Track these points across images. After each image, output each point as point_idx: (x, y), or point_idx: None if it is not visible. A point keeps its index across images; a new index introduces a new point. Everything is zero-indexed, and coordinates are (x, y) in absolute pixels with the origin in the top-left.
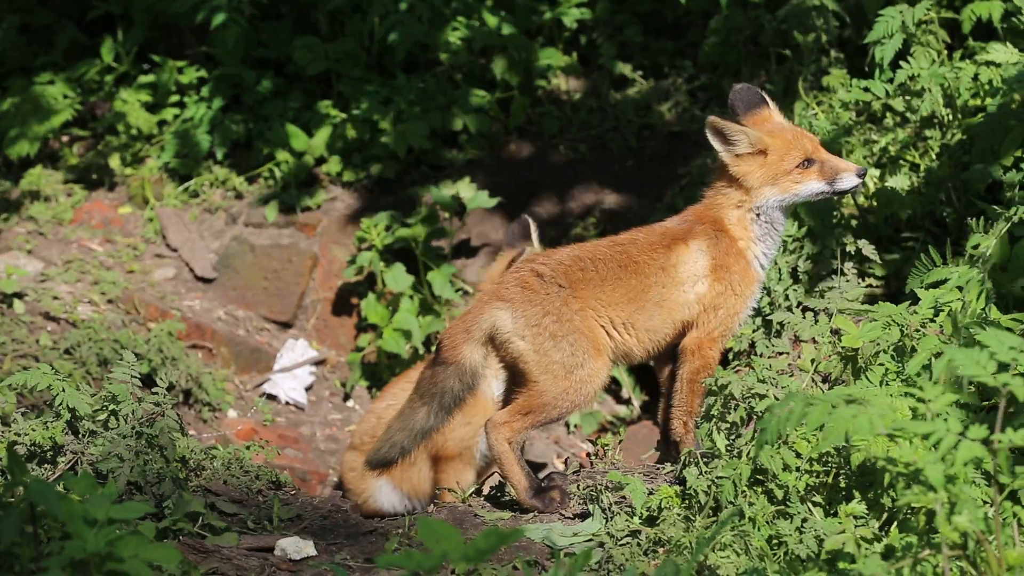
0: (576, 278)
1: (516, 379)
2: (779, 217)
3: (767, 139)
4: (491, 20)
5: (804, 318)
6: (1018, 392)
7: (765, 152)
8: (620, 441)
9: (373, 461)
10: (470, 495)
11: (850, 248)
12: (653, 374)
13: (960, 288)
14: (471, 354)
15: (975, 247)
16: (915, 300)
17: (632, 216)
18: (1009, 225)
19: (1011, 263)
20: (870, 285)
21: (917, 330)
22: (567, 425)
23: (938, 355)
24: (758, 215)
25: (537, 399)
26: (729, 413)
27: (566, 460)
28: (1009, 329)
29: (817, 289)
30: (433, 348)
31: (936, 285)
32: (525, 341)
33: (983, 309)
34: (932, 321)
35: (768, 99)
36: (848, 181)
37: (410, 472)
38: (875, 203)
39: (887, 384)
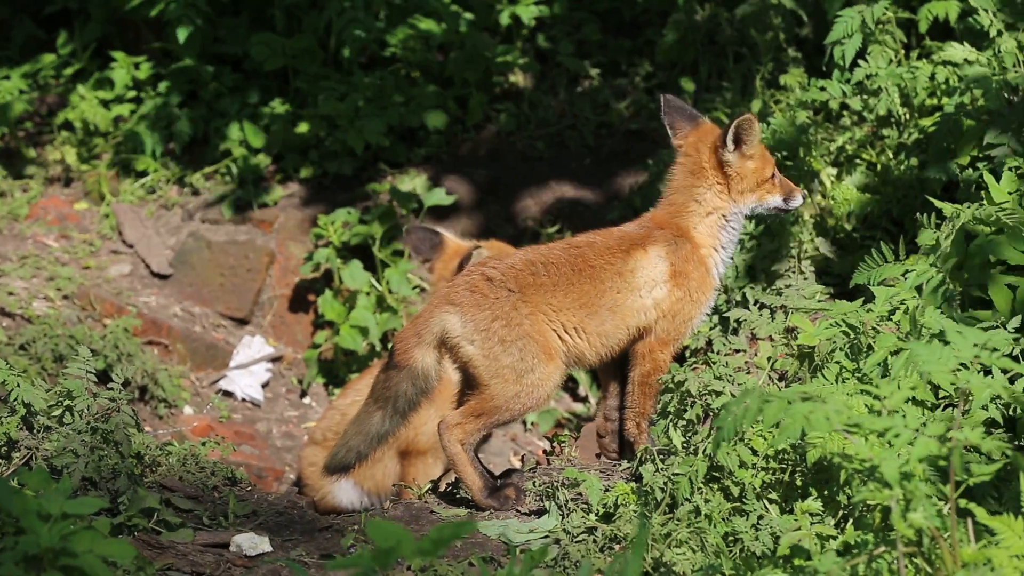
0: (527, 282)
1: (468, 381)
2: (741, 226)
3: (759, 146)
4: (447, 18)
5: (761, 315)
6: (976, 392)
7: (754, 158)
8: (576, 438)
9: (331, 467)
10: (426, 491)
11: (807, 246)
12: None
13: (919, 288)
14: (423, 357)
15: (929, 243)
16: (870, 298)
17: (590, 213)
18: (963, 223)
19: (967, 262)
20: (827, 283)
21: (874, 328)
22: (524, 423)
23: (895, 352)
24: (728, 221)
25: (489, 402)
26: (686, 410)
27: (522, 457)
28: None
29: (774, 287)
30: (389, 346)
31: (887, 282)
32: (474, 346)
33: (941, 307)
34: (889, 318)
35: (698, 113)
36: (797, 200)
37: (374, 469)
38: (832, 202)
39: (843, 382)
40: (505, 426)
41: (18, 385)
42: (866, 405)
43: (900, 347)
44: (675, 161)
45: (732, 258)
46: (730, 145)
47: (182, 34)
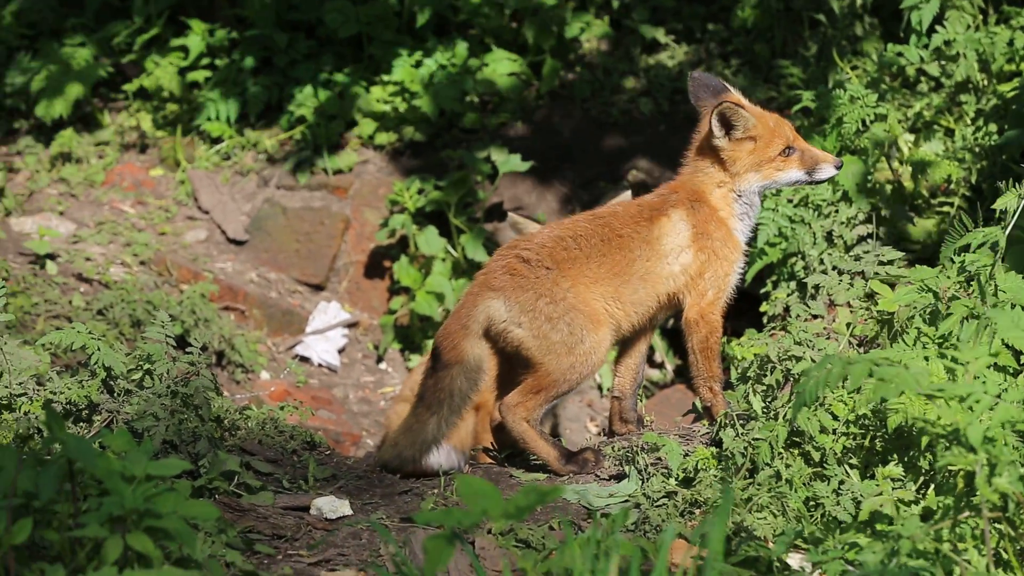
0: (561, 258)
1: (520, 362)
2: (757, 201)
3: (758, 125)
4: None
5: (840, 281)
6: None
7: (754, 138)
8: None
9: (382, 467)
10: (505, 456)
11: (884, 212)
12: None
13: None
14: (472, 349)
15: (1012, 208)
16: (947, 264)
17: (665, 179)
18: None
19: None
20: (904, 249)
21: (953, 295)
22: (600, 388)
23: (968, 318)
24: (739, 195)
25: (545, 378)
26: (765, 375)
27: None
28: None
29: (852, 253)
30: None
31: (966, 249)
32: (522, 328)
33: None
34: (968, 284)
35: (729, 86)
36: (826, 172)
37: (459, 427)
38: (909, 168)
39: (923, 348)
40: (564, 396)
41: (98, 349)
42: (946, 369)
43: (974, 312)
44: (692, 136)
45: (750, 232)
46: (717, 131)
47: (256, 0)
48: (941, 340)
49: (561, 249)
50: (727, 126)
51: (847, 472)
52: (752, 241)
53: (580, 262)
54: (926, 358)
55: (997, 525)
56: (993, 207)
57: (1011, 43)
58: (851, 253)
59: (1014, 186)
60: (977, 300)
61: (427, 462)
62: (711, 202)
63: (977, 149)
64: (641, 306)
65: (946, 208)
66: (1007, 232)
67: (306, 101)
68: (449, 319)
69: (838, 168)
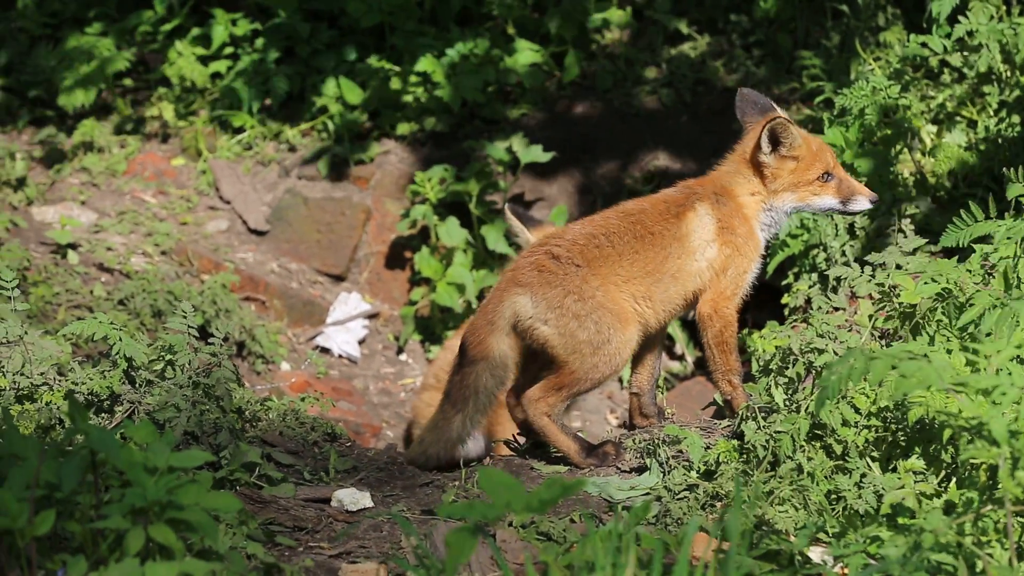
0: (592, 256)
1: (544, 357)
2: (784, 221)
3: (803, 147)
4: None
5: (862, 273)
6: None
7: (797, 159)
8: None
9: (410, 462)
10: (526, 447)
11: (907, 205)
12: None
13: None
14: (498, 345)
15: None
16: (964, 256)
17: (687, 172)
18: None
19: None
20: (928, 241)
21: (976, 287)
22: (620, 380)
23: (992, 308)
24: (769, 209)
25: (569, 376)
26: (787, 368)
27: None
28: None
29: (873, 245)
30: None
31: (981, 240)
32: (549, 325)
33: None
34: (990, 275)
35: (775, 105)
36: (860, 204)
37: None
38: (933, 159)
39: (945, 340)
40: (587, 393)
41: (120, 339)
42: (968, 362)
43: (996, 303)
44: (734, 146)
45: (770, 243)
46: (765, 146)
47: None
48: (962, 333)
49: (593, 247)
50: (775, 142)
51: (869, 465)
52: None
53: (612, 260)
54: (948, 351)
55: (1020, 519)
56: (1008, 196)
57: None
58: (873, 245)
59: None
60: (1000, 291)
61: (458, 453)
62: (738, 199)
63: (1000, 140)
64: (670, 304)
65: (968, 200)
66: None
67: (328, 91)
68: (476, 315)
69: (873, 203)
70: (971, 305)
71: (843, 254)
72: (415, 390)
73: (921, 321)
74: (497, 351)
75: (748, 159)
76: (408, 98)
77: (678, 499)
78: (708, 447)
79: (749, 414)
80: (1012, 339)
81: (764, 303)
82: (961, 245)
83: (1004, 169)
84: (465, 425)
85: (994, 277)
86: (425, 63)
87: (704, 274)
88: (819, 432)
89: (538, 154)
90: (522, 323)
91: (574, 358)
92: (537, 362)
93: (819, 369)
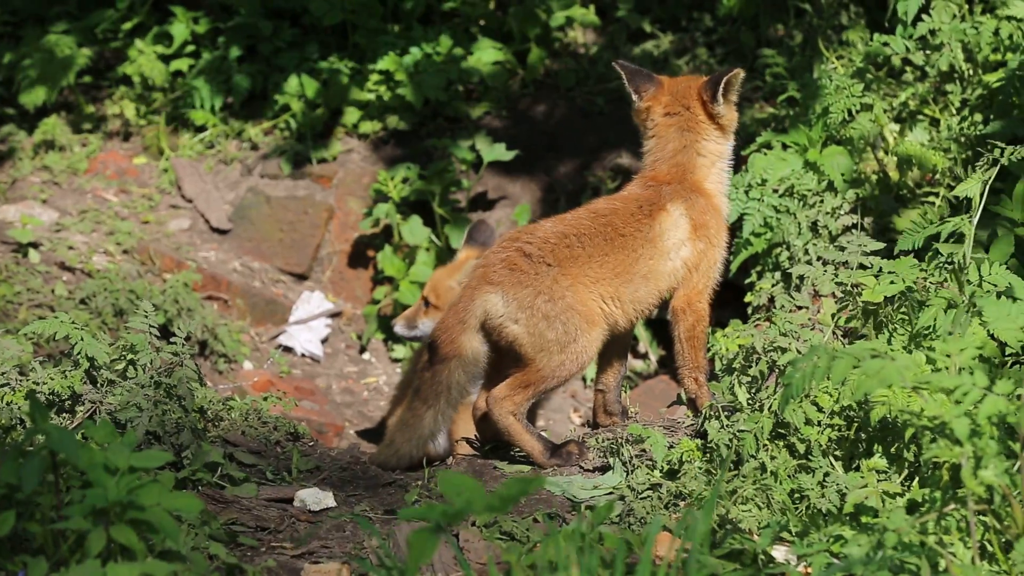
0: (564, 256)
1: (511, 355)
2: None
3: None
4: None
5: (825, 272)
6: None
7: (731, 102)
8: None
9: (378, 465)
10: (489, 448)
11: (870, 203)
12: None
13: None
14: (470, 342)
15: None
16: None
17: None
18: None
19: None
20: (890, 240)
21: (935, 285)
22: (583, 379)
23: (947, 308)
24: (728, 163)
25: (535, 374)
26: (751, 366)
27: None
28: None
29: (836, 243)
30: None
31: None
32: (519, 324)
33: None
34: (948, 273)
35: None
36: None
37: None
38: (895, 158)
39: (904, 340)
40: (552, 391)
41: (81, 339)
42: (929, 361)
43: (952, 303)
44: (656, 122)
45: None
46: (721, 98)
47: None
48: (921, 332)
49: (564, 247)
50: (731, 91)
51: (832, 464)
52: (737, 231)
53: (582, 261)
54: (909, 350)
55: (983, 517)
56: (955, 194)
57: (996, 32)
58: (836, 243)
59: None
60: (955, 291)
61: (430, 450)
62: (706, 190)
63: (962, 139)
64: (641, 304)
65: (931, 199)
66: (974, 221)
67: (290, 89)
68: (447, 313)
69: None
70: (928, 306)
71: (806, 252)
72: (377, 388)
73: (884, 319)
74: (469, 349)
75: (699, 119)
76: (371, 96)
77: (641, 498)
78: (671, 446)
79: (712, 413)
80: (972, 338)
81: (727, 302)
82: (916, 247)
83: (965, 168)
84: (437, 420)
85: (950, 274)
86: (387, 62)
87: (679, 272)
88: (782, 431)
89: (501, 152)
90: (492, 321)
91: (541, 356)
92: (505, 361)
93: (782, 368)
